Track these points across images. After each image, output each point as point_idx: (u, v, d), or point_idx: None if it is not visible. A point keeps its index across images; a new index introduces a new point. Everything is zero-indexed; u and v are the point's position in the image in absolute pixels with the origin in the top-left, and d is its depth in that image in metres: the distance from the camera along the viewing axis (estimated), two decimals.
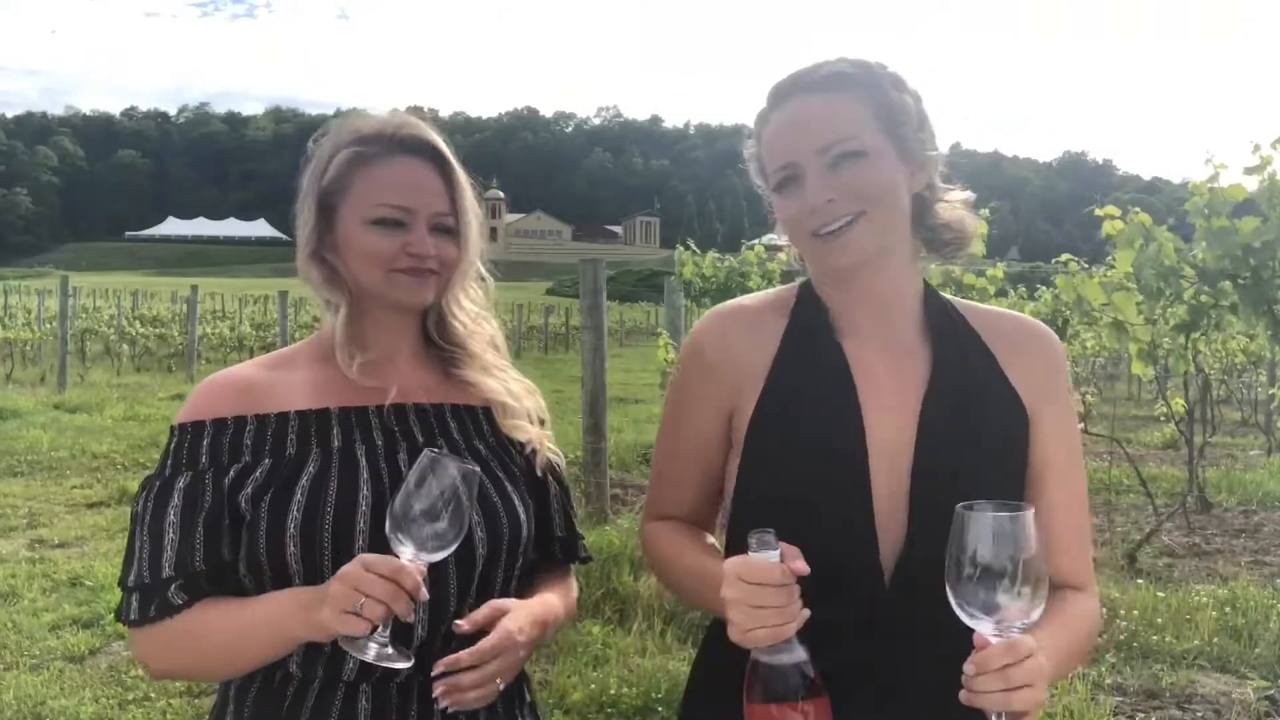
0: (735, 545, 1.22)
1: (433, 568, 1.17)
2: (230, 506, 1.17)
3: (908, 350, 1.24)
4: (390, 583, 1.04)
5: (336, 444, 1.22)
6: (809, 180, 1.17)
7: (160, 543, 1.15)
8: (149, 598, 1.15)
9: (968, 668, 0.97)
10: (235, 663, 1.18)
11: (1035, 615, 0.96)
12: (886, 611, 1.14)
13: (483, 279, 1.38)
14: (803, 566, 1.03)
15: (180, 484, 1.17)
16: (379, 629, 1.07)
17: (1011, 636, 0.96)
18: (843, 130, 1.17)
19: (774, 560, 1.02)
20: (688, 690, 1.35)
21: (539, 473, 1.36)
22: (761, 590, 1.01)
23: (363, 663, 1.15)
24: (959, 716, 1.02)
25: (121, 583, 1.19)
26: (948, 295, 1.32)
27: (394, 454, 1.23)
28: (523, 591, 1.31)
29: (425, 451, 1.11)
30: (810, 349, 1.24)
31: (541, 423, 1.40)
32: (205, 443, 1.19)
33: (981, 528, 0.95)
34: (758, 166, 1.27)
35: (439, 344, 1.36)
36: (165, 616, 1.15)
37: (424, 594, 1.08)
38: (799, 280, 1.34)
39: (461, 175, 1.30)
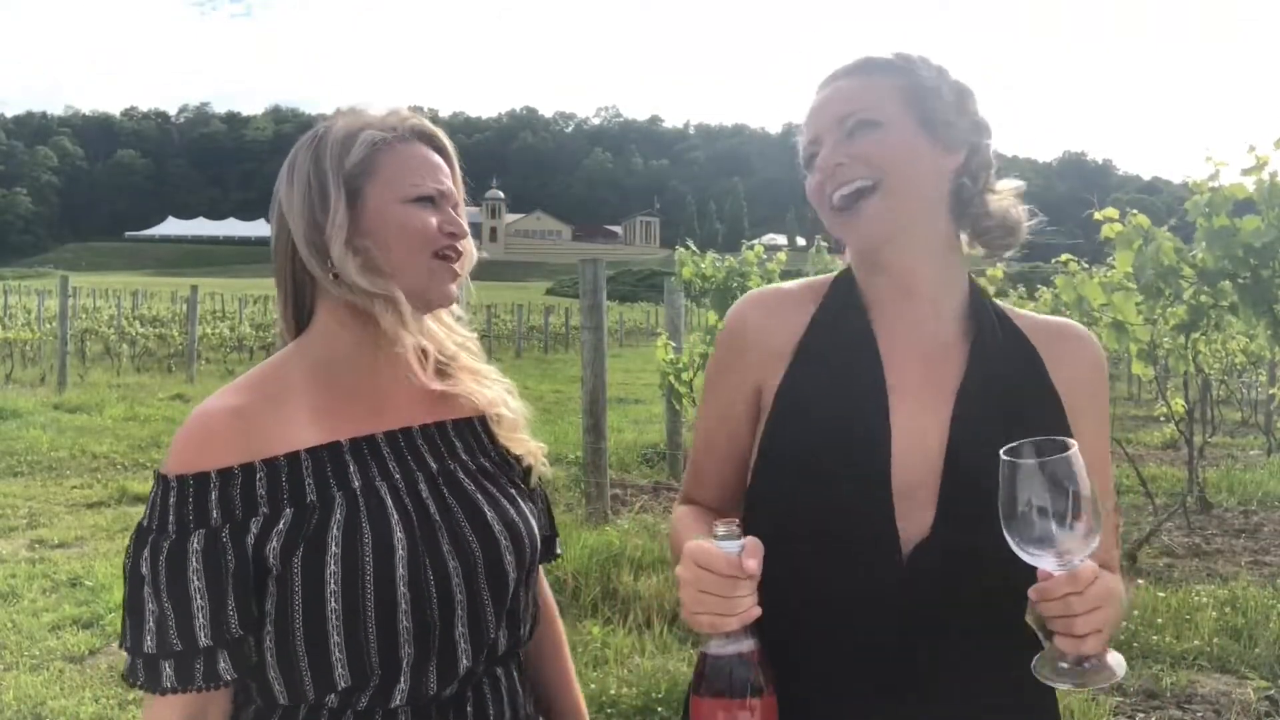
0: (751, 520, 1.20)
1: (470, 595, 1.14)
2: (256, 562, 1.10)
3: (942, 344, 1.23)
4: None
5: (357, 483, 1.15)
6: (824, 149, 1.20)
7: (188, 608, 1.07)
8: (187, 664, 1.08)
9: (1031, 594, 0.99)
10: None
11: (1094, 546, 0.97)
12: (901, 596, 1.13)
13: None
14: (753, 565, 1.01)
15: (195, 545, 1.07)
16: None
17: (1073, 567, 0.97)
18: (862, 102, 1.19)
19: (732, 550, 1.01)
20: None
21: (531, 484, 1.35)
22: (707, 576, 1.01)
23: (412, 688, 1.11)
24: (972, 705, 1.09)
25: (132, 647, 1.08)
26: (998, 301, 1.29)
27: (415, 486, 1.18)
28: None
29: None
30: (840, 327, 1.24)
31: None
32: (213, 496, 1.09)
33: (1028, 474, 0.97)
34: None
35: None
36: (212, 685, 1.09)
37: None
38: (839, 270, 1.33)
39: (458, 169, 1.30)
